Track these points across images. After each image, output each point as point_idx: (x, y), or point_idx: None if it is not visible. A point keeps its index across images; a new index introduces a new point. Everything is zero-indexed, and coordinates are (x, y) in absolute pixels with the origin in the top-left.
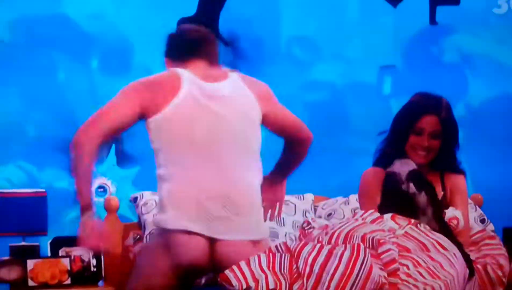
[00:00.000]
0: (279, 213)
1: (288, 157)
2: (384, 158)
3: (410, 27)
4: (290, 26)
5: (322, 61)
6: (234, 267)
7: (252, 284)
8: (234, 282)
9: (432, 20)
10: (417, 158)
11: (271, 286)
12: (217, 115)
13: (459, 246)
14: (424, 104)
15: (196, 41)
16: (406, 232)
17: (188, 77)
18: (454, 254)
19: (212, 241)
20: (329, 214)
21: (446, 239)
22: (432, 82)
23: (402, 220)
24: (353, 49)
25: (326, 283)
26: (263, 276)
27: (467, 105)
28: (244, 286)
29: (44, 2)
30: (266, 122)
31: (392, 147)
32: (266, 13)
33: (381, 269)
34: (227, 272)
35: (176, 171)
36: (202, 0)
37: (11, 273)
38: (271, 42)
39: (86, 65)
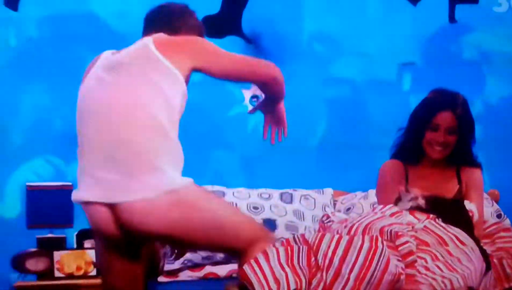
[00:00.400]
0: (285, 133)
1: (266, 94)
2: (401, 152)
3: (430, 25)
4: (311, 24)
5: (343, 58)
6: (253, 263)
7: (273, 287)
8: (256, 286)
9: (451, 18)
10: (433, 153)
11: (292, 286)
12: (110, 85)
13: (476, 240)
14: (440, 101)
15: (151, 16)
16: (425, 226)
17: (103, 53)
18: (472, 248)
19: (112, 207)
20: (348, 209)
21: (464, 233)
22: (450, 79)
23: (420, 215)
24: (373, 46)
25: (346, 276)
26: (284, 275)
27: (485, 102)
28: None
29: (72, 0)
30: (208, 73)
31: (409, 142)
32: (287, 10)
33: (398, 260)
34: (246, 268)
35: (80, 148)
36: None
37: (38, 264)
38: (292, 39)
39: None
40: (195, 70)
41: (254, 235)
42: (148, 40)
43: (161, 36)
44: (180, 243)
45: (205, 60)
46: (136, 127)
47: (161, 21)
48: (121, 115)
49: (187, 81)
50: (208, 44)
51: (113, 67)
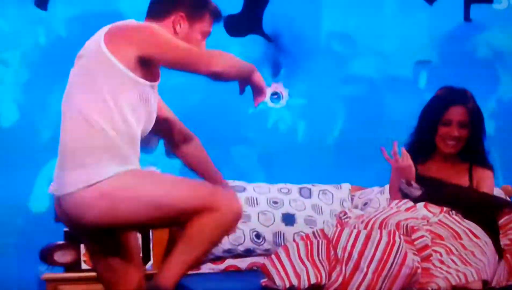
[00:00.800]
0: (263, 97)
1: None
2: (412, 150)
3: (445, 24)
4: (329, 23)
5: (360, 56)
6: (274, 259)
7: (294, 281)
8: (277, 280)
9: (466, 17)
10: (447, 148)
11: (313, 280)
12: (69, 83)
13: (490, 232)
14: (451, 96)
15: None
16: (439, 220)
17: None
18: (486, 242)
19: (58, 200)
20: (365, 203)
21: (477, 227)
22: (465, 76)
23: (434, 208)
24: (390, 45)
25: (365, 269)
26: (304, 270)
27: (498, 99)
28: (288, 285)
29: (99, 0)
30: (155, 63)
31: (422, 139)
32: (307, 10)
33: (414, 254)
34: (266, 263)
35: None
36: None
37: (66, 257)
38: (311, 38)
39: None
40: (143, 59)
41: (199, 206)
42: (103, 30)
43: (116, 25)
44: (123, 229)
45: (148, 49)
46: (68, 124)
47: (151, 6)
48: (64, 114)
49: (148, 69)
50: (155, 33)
51: (75, 63)
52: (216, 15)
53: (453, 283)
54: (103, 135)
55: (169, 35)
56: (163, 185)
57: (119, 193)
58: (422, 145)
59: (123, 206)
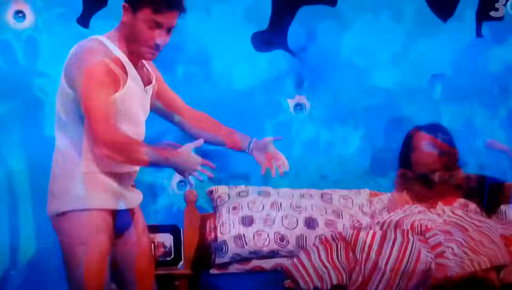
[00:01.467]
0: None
1: None
2: (403, 183)
3: (458, 40)
4: (350, 38)
5: (379, 69)
6: (297, 263)
7: (317, 283)
8: (301, 283)
9: (478, 34)
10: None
11: (335, 281)
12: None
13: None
14: (416, 129)
15: None
16: (444, 220)
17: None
18: (488, 227)
19: None
20: (383, 208)
21: (481, 217)
22: (477, 88)
23: (442, 210)
24: (407, 59)
25: (382, 267)
26: (326, 272)
27: (509, 109)
28: (312, 287)
29: None
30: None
31: (406, 172)
32: (329, 27)
33: (428, 251)
34: (290, 267)
35: None
36: (273, 16)
37: None
38: (333, 53)
39: (173, 73)
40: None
41: None
42: (72, 51)
43: (75, 49)
44: None
45: (74, 84)
46: (56, 148)
47: None
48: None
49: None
50: (87, 79)
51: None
52: (159, 3)
53: (468, 270)
54: (70, 166)
55: (102, 89)
56: (78, 261)
57: (58, 230)
58: (407, 177)
59: (60, 238)
